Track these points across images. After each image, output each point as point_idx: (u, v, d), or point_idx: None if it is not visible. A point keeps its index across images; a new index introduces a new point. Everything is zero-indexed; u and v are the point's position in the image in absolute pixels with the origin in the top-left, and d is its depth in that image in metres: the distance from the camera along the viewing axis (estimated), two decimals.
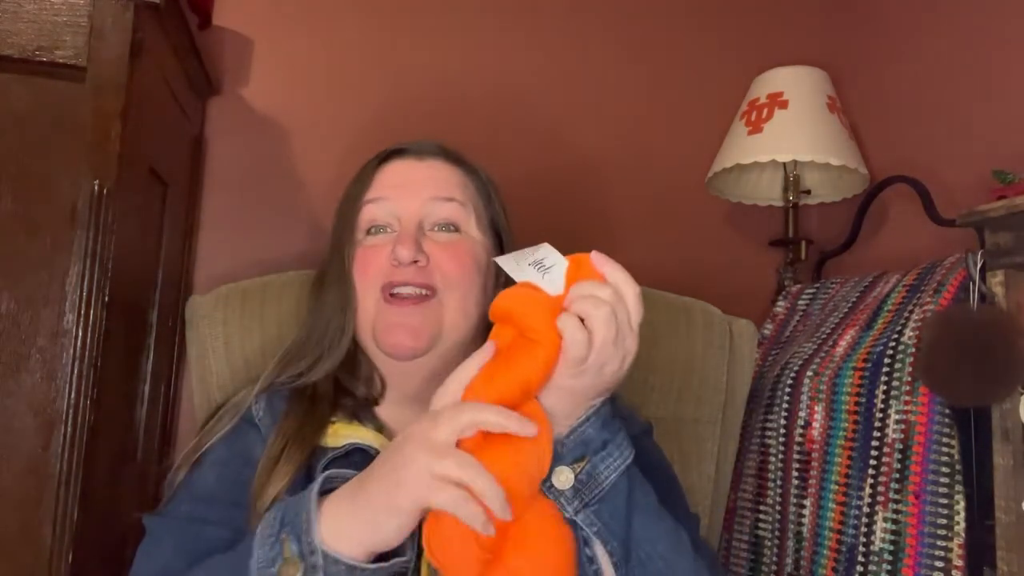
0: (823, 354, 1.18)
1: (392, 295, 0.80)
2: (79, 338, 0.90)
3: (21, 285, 0.90)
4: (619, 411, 0.89)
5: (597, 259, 0.66)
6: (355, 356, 0.86)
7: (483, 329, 0.86)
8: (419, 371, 0.82)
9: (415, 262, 0.80)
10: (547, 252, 0.68)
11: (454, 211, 0.84)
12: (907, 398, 1.02)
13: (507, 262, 0.68)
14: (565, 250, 0.70)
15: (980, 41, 1.34)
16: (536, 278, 0.65)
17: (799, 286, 1.44)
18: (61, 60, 0.92)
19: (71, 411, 0.89)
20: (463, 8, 1.61)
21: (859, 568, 1.03)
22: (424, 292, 0.80)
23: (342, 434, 0.81)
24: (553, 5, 1.66)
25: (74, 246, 0.91)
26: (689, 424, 1.15)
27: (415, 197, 0.84)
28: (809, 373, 1.17)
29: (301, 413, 0.81)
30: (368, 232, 0.84)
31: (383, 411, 0.86)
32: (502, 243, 0.90)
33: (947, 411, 0.98)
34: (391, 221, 0.84)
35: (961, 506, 0.95)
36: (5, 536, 0.87)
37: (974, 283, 0.98)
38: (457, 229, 0.85)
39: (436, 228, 0.84)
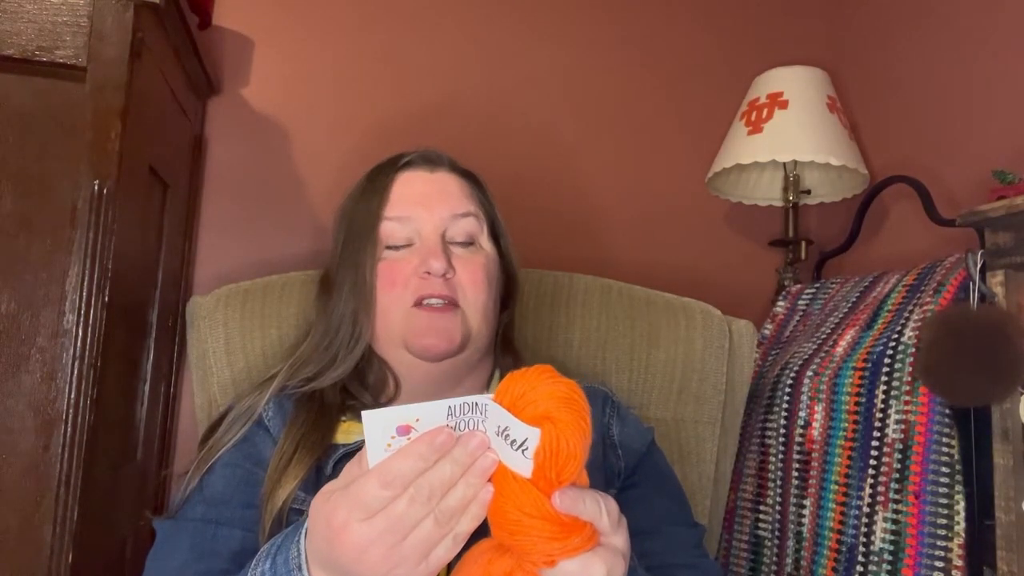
0: (823, 354, 1.18)
1: (421, 305, 0.82)
2: (79, 338, 0.90)
3: (21, 285, 0.90)
4: (625, 419, 0.90)
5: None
6: (365, 362, 0.87)
7: (495, 334, 0.91)
8: (442, 372, 0.84)
9: (444, 274, 0.82)
10: (500, 417, 0.52)
11: (471, 224, 0.87)
12: (907, 398, 1.02)
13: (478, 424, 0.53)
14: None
15: (980, 41, 1.34)
16: (515, 460, 0.51)
17: (799, 286, 1.43)
18: (61, 60, 0.93)
19: (71, 411, 0.89)
20: (463, 10, 1.61)
21: (859, 568, 1.03)
22: (450, 304, 0.82)
23: (354, 431, 0.82)
24: (554, 7, 1.66)
25: (74, 246, 0.91)
26: (689, 424, 1.15)
27: (436, 214, 0.85)
28: (809, 373, 1.17)
29: (311, 417, 0.82)
30: (388, 247, 0.85)
31: None
32: (501, 247, 0.92)
33: (947, 411, 0.98)
34: (412, 237, 0.85)
35: (961, 506, 0.95)
36: (5, 536, 0.87)
37: (974, 283, 0.98)
38: (473, 242, 0.87)
39: (454, 242, 0.86)
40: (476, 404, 0.52)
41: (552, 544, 0.50)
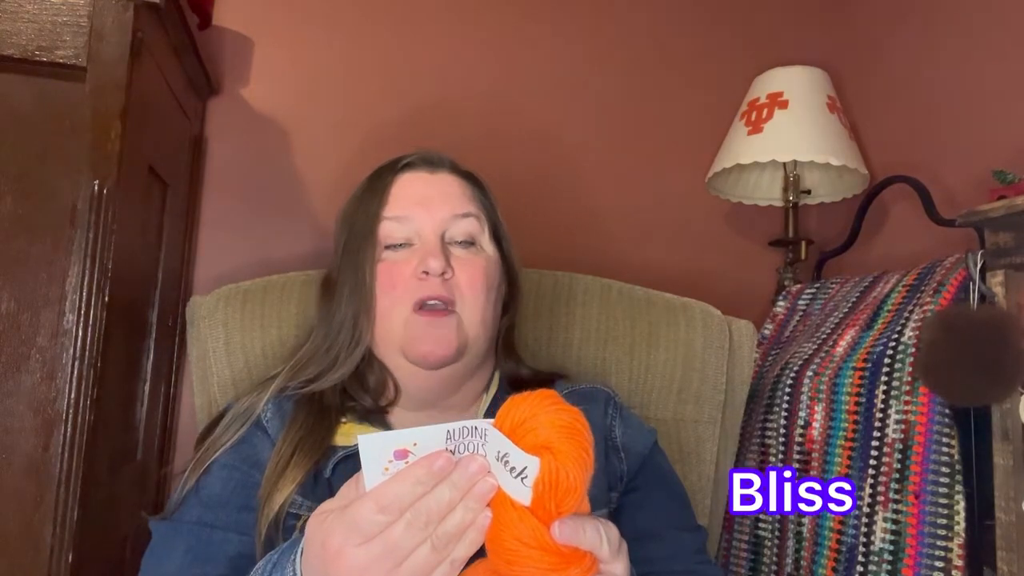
0: (823, 354, 1.18)
1: (421, 309, 0.81)
2: (79, 338, 0.90)
3: (21, 285, 0.90)
4: (628, 421, 0.89)
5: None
6: (366, 364, 0.87)
7: (495, 336, 0.90)
8: (440, 379, 0.83)
9: (443, 274, 0.81)
10: (500, 443, 0.51)
11: (472, 225, 0.86)
12: (907, 398, 1.02)
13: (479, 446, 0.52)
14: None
15: (980, 41, 1.34)
16: (514, 487, 0.51)
17: (799, 286, 1.43)
18: (61, 60, 0.93)
19: (71, 411, 0.89)
20: (463, 10, 1.61)
21: (859, 568, 1.03)
22: (448, 307, 0.81)
23: (353, 433, 0.82)
24: (555, 8, 1.66)
25: (74, 246, 0.91)
26: (689, 424, 1.15)
27: (436, 214, 0.84)
28: (809, 373, 1.17)
29: (310, 420, 0.81)
30: (387, 247, 0.85)
31: (394, 417, 0.87)
32: (503, 250, 0.91)
33: (947, 411, 0.98)
34: (412, 238, 0.84)
35: (961, 506, 0.95)
36: (5, 536, 0.87)
37: (974, 283, 0.98)
38: (473, 243, 0.86)
39: (454, 243, 0.85)
40: (476, 428, 0.51)
41: (550, 575, 0.50)
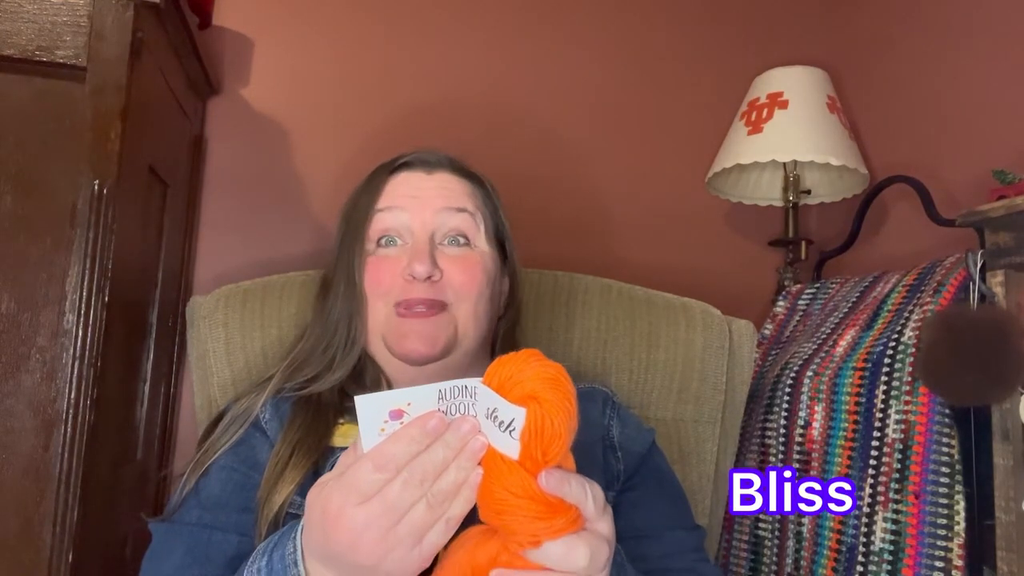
0: (823, 354, 1.18)
1: (405, 309, 0.81)
2: (79, 338, 0.90)
3: (21, 285, 0.90)
4: (626, 420, 0.89)
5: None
6: (361, 363, 0.86)
7: (491, 337, 0.89)
8: (428, 376, 0.82)
9: (429, 277, 0.80)
10: (489, 399, 0.53)
11: (465, 221, 0.85)
12: (907, 398, 1.02)
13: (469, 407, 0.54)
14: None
15: (980, 42, 1.34)
16: (503, 442, 0.53)
17: (799, 286, 1.43)
18: (61, 60, 0.93)
19: (71, 411, 0.89)
20: (463, 9, 1.61)
21: (859, 568, 1.03)
22: (435, 308, 0.81)
23: (351, 434, 0.81)
24: (555, 7, 1.66)
25: (74, 246, 0.91)
26: (689, 424, 1.15)
27: (427, 207, 0.84)
28: (809, 373, 1.17)
29: (308, 420, 0.81)
30: (379, 243, 0.84)
31: None
32: (505, 252, 0.90)
33: (947, 411, 0.98)
34: (402, 232, 0.84)
35: (961, 506, 0.95)
36: (5, 536, 0.87)
37: (974, 283, 0.98)
38: (467, 241, 0.85)
39: (447, 241, 0.84)
40: (466, 387, 0.54)
41: (537, 524, 0.51)
